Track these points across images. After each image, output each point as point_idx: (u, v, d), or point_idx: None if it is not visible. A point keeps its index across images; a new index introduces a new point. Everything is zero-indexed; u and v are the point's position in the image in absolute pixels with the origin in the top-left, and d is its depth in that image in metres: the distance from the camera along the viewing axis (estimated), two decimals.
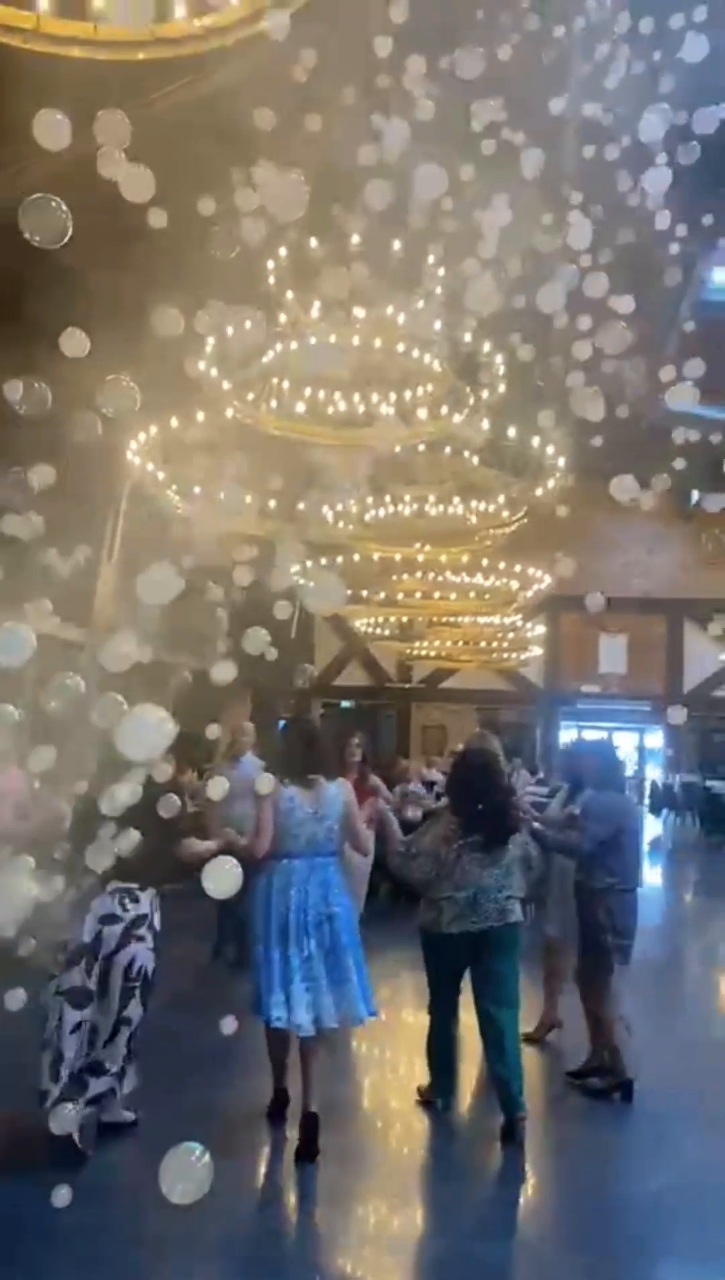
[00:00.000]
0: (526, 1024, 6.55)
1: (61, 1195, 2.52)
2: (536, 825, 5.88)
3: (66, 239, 2.68)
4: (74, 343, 3.04)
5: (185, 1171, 2.04)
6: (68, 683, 2.78)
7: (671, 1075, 6.14)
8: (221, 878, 2.52)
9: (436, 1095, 5.47)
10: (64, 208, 2.67)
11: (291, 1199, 4.59)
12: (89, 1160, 4.41)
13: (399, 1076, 6.16)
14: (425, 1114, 5.45)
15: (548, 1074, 6.06)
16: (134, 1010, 4.69)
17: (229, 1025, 3.97)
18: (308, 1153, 4.70)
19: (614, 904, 5.67)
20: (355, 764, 7.47)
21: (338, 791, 5.09)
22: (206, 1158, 2.05)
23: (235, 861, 2.61)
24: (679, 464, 6.44)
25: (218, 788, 4.51)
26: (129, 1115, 4.89)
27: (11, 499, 4.87)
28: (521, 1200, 4.79)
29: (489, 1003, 5.17)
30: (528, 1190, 4.87)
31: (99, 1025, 4.63)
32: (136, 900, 4.71)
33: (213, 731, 6.21)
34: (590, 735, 27.06)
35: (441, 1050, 5.51)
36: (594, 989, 5.80)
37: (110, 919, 4.64)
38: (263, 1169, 4.86)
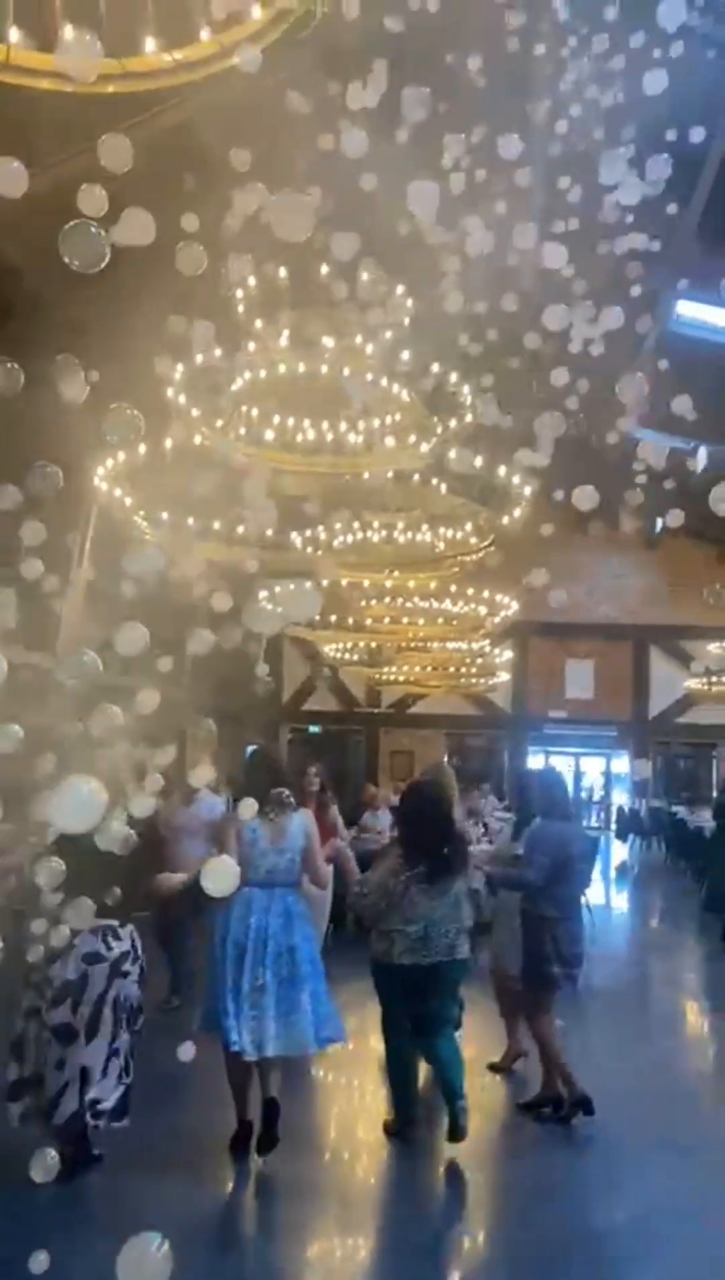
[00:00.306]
0: (494, 1054, 6.56)
1: (39, 1260, 2.43)
2: (486, 869, 5.97)
3: (104, 264, 2.74)
4: (74, 385, 3.05)
5: (142, 1266, 1.98)
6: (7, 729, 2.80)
7: (635, 1104, 6.14)
8: (221, 876, 2.60)
9: (402, 1124, 5.44)
10: (103, 233, 2.74)
11: (252, 1230, 4.55)
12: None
13: (366, 1105, 6.13)
14: (390, 1144, 5.41)
15: (510, 1104, 6.03)
16: (122, 1040, 4.74)
17: (187, 1051, 3.95)
18: (268, 1141, 4.84)
19: (560, 933, 5.69)
20: (313, 794, 7.45)
21: (300, 824, 5.16)
22: (165, 1248, 2.00)
23: (233, 861, 2.65)
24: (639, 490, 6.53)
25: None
26: (96, 1151, 4.81)
27: None
28: (484, 1232, 4.77)
29: (432, 1036, 5.35)
30: (491, 1221, 4.85)
31: (90, 1067, 4.62)
32: (119, 938, 4.75)
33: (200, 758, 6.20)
34: (544, 762, 27.27)
35: (402, 1079, 5.50)
36: (538, 1015, 5.84)
37: (94, 958, 4.65)
38: (225, 1201, 4.82)
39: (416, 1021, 5.34)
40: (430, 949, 5.18)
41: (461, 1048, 5.72)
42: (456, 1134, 5.19)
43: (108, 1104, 4.67)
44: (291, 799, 5.14)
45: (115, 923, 4.72)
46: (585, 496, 5.66)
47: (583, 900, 6.13)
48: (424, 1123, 5.53)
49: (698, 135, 6.05)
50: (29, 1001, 4.69)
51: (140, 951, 4.89)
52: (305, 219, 2.84)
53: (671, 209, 6.12)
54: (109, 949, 4.69)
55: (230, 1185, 4.92)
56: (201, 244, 4.49)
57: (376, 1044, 5.86)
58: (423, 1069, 5.69)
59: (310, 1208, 4.76)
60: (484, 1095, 6.08)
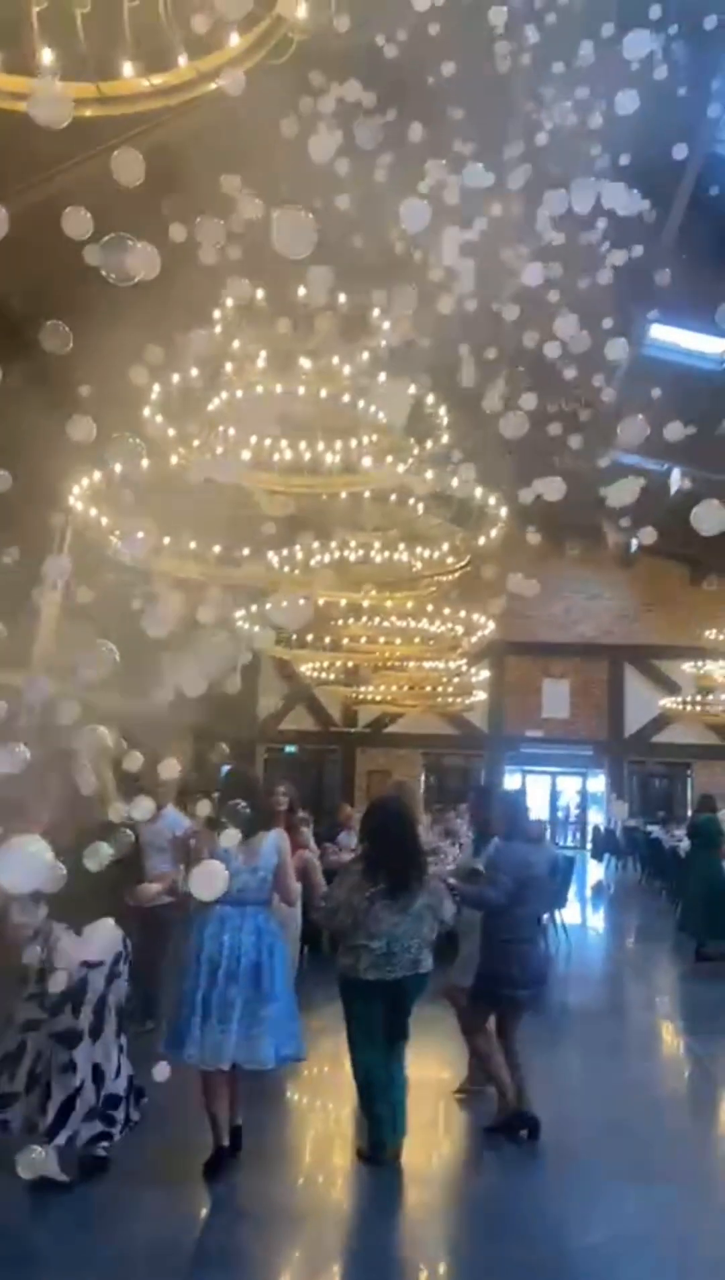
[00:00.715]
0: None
1: None
2: (452, 881, 6.03)
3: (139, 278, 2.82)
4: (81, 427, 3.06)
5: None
6: None
7: (608, 1126, 6.14)
8: (209, 879, 2.67)
9: (379, 1150, 5.37)
10: (142, 245, 2.84)
11: (221, 1254, 4.51)
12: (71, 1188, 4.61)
13: (342, 1127, 6.07)
14: (364, 1169, 5.36)
15: (474, 1127, 5.99)
16: (123, 1038, 4.94)
17: (161, 1072, 3.94)
18: (217, 1165, 4.99)
19: (518, 953, 5.72)
20: (281, 813, 7.41)
21: (273, 843, 5.24)
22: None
23: (220, 865, 2.71)
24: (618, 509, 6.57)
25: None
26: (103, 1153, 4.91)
27: None
28: (457, 1255, 4.73)
29: (391, 1055, 5.41)
30: (463, 1245, 4.81)
31: (102, 1064, 4.79)
32: (115, 942, 4.89)
33: (170, 768, 6.22)
34: (521, 782, 27.29)
35: (373, 1098, 5.43)
36: (474, 1030, 5.91)
37: (91, 963, 4.77)
38: (199, 1226, 4.77)
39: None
40: (395, 964, 5.23)
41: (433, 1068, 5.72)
42: (379, 1162, 5.25)
43: (122, 1096, 4.85)
44: (247, 809, 5.18)
45: (111, 926, 4.85)
46: (552, 488, 5.70)
47: (546, 921, 6.17)
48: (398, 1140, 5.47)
49: (670, 168, 6.16)
50: (26, 1015, 4.75)
51: (129, 951, 5.03)
52: (307, 236, 2.86)
53: (645, 237, 6.20)
54: (105, 951, 4.81)
55: (204, 1210, 4.87)
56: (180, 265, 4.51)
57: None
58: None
59: (281, 1233, 4.73)
60: (458, 1117, 6.06)
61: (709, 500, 3.67)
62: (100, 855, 3.57)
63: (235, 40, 3.26)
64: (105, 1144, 4.82)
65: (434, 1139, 5.87)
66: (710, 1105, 7.04)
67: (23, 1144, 4.48)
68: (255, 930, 5.11)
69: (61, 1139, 4.63)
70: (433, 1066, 6.54)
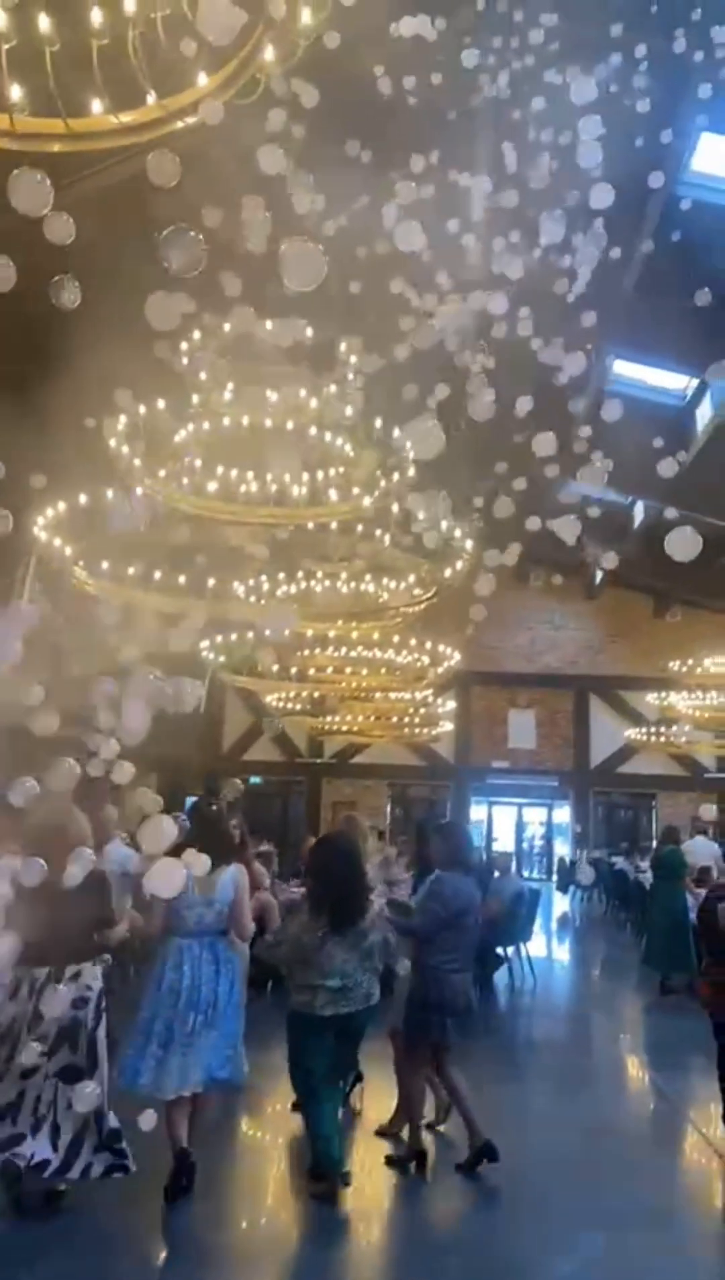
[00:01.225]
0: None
1: None
2: (386, 911, 6.08)
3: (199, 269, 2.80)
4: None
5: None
6: None
7: (570, 1163, 6.11)
8: (169, 876, 2.75)
9: (330, 1166, 5.36)
10: (201, 238, 2.92)
11: None
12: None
13: (296, 1162, 5.98)
14: (315, 1205, 5.30)
15: (445, 1164, 5.93)
16: (103, 1069, 4.95)
17: (148, 1120, 3.93)
18: (177, 1187, 5.03)
19: (448, 983, 5.78)
20: (240, 846, 7.37)
21: (231, 878, 5.37)
22: None
23: (177, 862, 2.88)
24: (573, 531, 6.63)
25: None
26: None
27: None
28: None
29: (332, 1087, 5.54)
30: None
31: (102, 1099, 4.85)
32: (96, 977, 4.99)
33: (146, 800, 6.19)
34: (487, 813, 27.29)
35: (324, 1131, 5.42)
36: (410, 1064, 5.93)
37: (81, 1002, 4.86)
38: (162, 1255, 4.77)
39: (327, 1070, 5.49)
40: (349, 999, 5.35)
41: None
42: (332, 1200, 5.26)
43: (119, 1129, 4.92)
44: (185, 820, 5.25)
45: (88, 964, 4.95)
46: (503, 505, 5.71)
47: (511, 953, 6.22)
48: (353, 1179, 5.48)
49: (634, 206, 6.27)
50: (23, 1062, 4.73)
51: (110, 987, 5.17)
52: (316, 268, 2.87)
53: (609, 276, 6.30)
54: (89, 989, 4.91)
55: (161, 1251, 4.81)
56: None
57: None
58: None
59: (232, 1269, 4.73)
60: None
61: (682, 528, 3.69)
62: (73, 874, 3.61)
63: (203, 80, 3.29)
64: (120, 1174, 4.89)
65: (392, 1176, 5.81)
66: (674, 1142, 7.00)
67: (36, 1181, 4.74)
68: (214, 960, 5.26)
69: (75, 1172, 4.75)
70: (388, 1103, 6.47)
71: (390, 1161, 5.86)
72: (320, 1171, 5.37)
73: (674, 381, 14.48)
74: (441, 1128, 6.37)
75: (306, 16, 3.38)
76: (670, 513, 8.31)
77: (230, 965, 5.34)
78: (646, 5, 6.49)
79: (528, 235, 6.38)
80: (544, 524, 5.83)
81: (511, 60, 6.37)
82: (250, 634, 10.57)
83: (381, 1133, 6.26)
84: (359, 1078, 6.54)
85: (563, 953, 16.58)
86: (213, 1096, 5.51)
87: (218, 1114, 6.09)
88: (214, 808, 5.70)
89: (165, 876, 2.78)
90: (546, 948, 16.20)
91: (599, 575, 24.47)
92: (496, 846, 25.22)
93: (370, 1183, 5.61)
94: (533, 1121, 7.08)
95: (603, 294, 6.96)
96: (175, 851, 5.21)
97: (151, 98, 3.12)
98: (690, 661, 16.91)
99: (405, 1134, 6.06)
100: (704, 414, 14.00)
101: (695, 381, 14.11)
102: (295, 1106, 5.95)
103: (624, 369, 14.34)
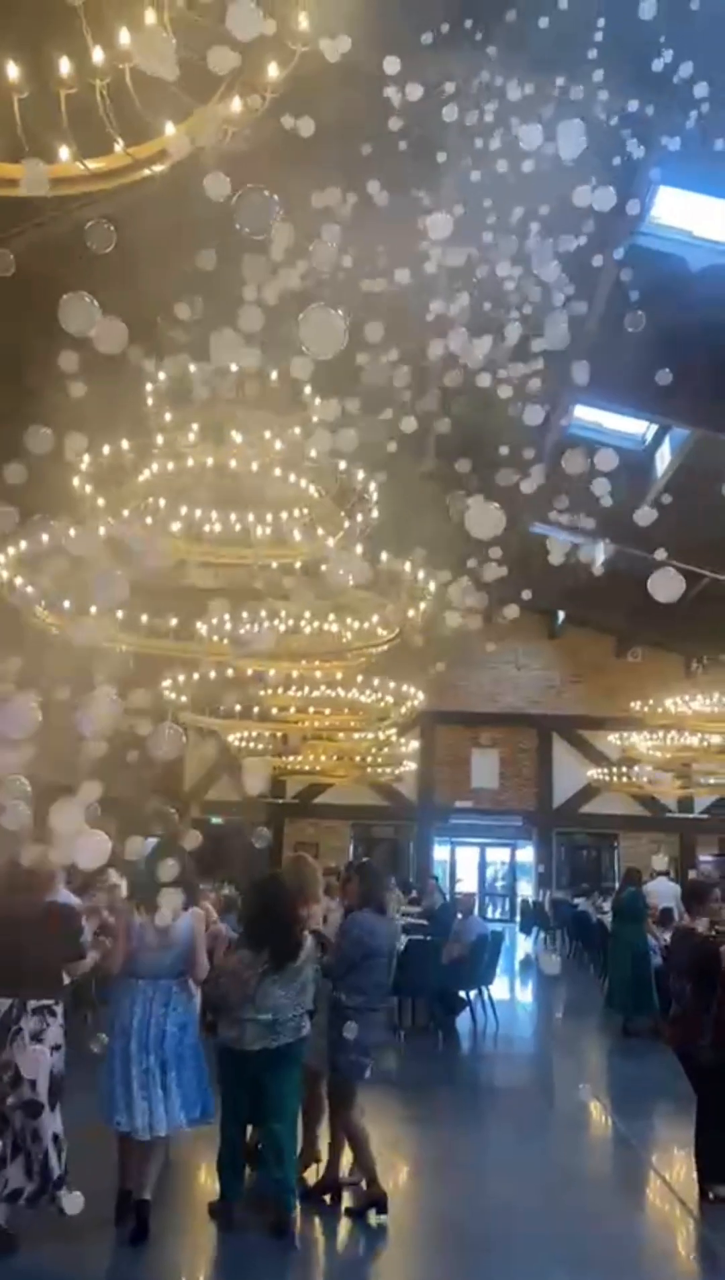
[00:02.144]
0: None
1: None
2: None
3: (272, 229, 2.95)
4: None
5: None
6: None
7: (533, 1214, 6.03)
8: (93, 849, 2.82)
9: (229, 1196, 5.51)
10: (275, 198, 2.92)
11: None
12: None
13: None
14: (274, 1245, 5.31)
15: (397, 1207, 5.85)
16: (57, 1113, 5.05)
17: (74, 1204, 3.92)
18: (140, 1235, 5.12)
19: (361, 1021, 5.80)
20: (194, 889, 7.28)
21: (189, 924, 5.44)
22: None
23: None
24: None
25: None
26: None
27: None
28: None
29: (273, 1119, 5.52)
30: None
31: (60, 1135, 4.98)
32: (55, 1014, 5.10)
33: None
34: (450, 854, 27.20)
35: (233, 1160, 5.57)
36: (344, 1107, 5.94)
37: (37, 1037, 4.97)
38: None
39: (258, 1105, 5.52)
40: (279, 1033, 5.46)
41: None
42: (282, 1228, 5.34)
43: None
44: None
45: (51, 1001, 5.08)
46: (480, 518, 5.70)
47: (384, 993, 6.28)
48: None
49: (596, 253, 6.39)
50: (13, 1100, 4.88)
51: (64, 1021, 5.22)
52: (337, 336, 2.88)
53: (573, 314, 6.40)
54: (47, 1026, 5.02)
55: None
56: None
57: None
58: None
59: None
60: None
61: (665, 569, 3.69)
62: None
63: (170, 129, 3.33)
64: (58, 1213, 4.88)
65: (346, 1221, 5.75)
66: (637, 1188, 6.95)
67: (12, 1208, 4.86)
68: (165, 1003, 5.36)
69: (45, 1200, 4.86)
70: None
71: (349, 1213, 5.83)
72: (222, 1207, 5.49)
73: (634, 426, 14.72)
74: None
75: (272, 70, 3.44)
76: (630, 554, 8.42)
77: (181, 1007, 5.45)
78: (612, 58, 6.65)
79: (489, 282, 6.49)
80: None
81: (473, 105, 6.48)
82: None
83: (322, 1190, 6.06)
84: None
85: (526, 995, 16.50)
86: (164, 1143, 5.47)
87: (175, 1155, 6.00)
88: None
89: (91, 850, 2.81)
90: (509, 990, 16.11)
91: (560, 616, 24.68)
92: (461, 887, 25.14)
93: (326, 1226, 5.55)
94: (495, 1168, 7.01)
95: (564, 343, 7.08)
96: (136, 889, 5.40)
97: (119, 146, 3.16)
98: (651, 702, 17.04)
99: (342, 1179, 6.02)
100: (663, 457, 14.24)
101: (654, 426, 14.36)
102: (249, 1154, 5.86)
103: (584, 413, 14.55)
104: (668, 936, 11.86)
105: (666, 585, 3.64)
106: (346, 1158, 6.01)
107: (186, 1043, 5.40)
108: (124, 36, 3.01)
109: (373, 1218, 5.72)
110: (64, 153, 3.13)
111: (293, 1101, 5.67)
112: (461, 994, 11.92)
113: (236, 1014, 5.48)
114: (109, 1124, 5.24)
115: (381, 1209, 5.75)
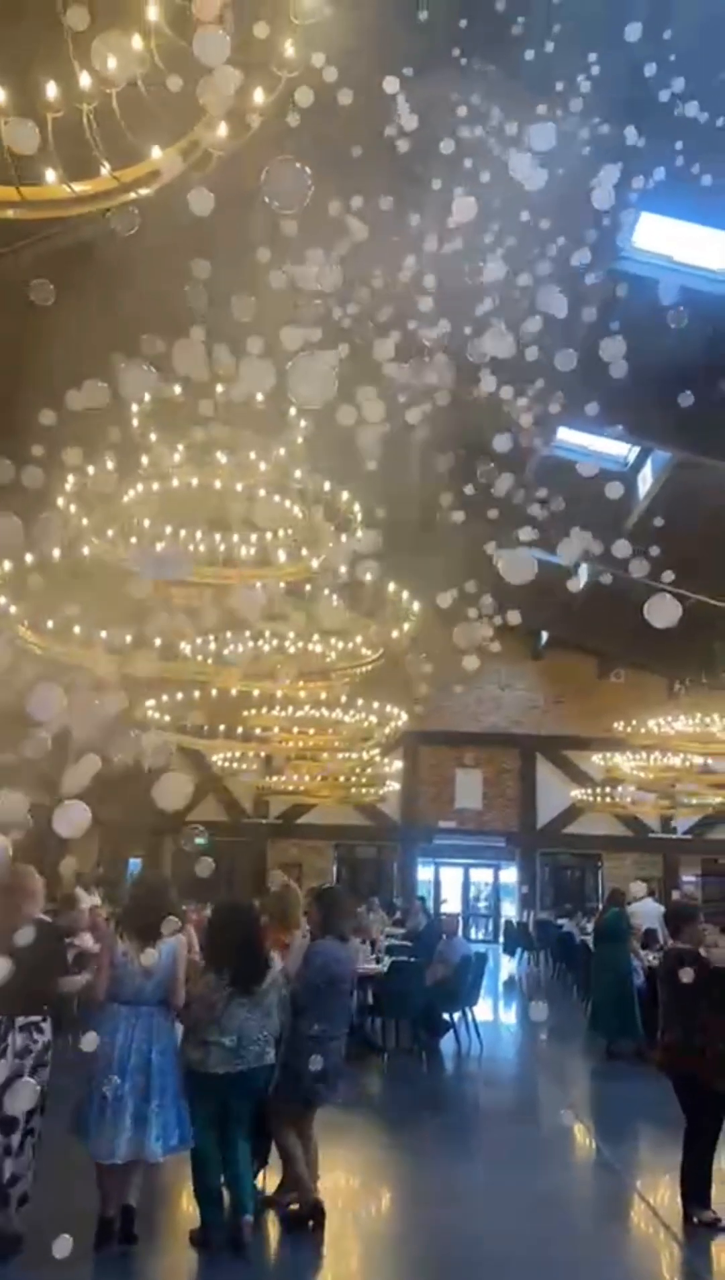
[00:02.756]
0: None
1: None
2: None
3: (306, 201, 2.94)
4: None
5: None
6: None
7: (518, 1240, 5.99)
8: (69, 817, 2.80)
9: (211, 1231, 5.45)
10: (307, 171, 2.94)
11: None
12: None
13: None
14: (253, 1268, 5.29)
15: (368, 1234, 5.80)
16: (36, 1121, 5.07)
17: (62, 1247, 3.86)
18: (125, 1238, 5.21)
19: (322, 1050, 5.81)
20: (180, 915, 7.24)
21: (171, 949, 5.45)
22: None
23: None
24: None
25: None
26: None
27: None
28: None
29: (236, 1137, 5.52)
30: None
31: (10, 1144, 4.99)
32: (42, 1031, 5.15)
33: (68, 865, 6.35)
34: (434, 874, 27.14)
35: (208, 1185, 5.53)
36: (280, 1123, 5.94)
37: (25, 1052, 5.02)
38: None
39: (226, 1123, 5.52)
40: (242, 1057, 5.45)
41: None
42: (239, 1245, 5.32)
43: (23, 1177, 5.04)
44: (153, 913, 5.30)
45: (39, 1018, 5.13)
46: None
47: (345, 1020, 6.28)
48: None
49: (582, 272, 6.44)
50: None
51: (49, 1038, 5.25)
52: (327, 384, 2.89)
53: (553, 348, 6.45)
54: (34, 1042, 5.07)
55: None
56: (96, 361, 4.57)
57: None
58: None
59: None
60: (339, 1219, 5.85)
61: (661, 595, 3.69)
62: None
63: (156, 153, 3.36)
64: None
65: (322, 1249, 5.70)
66: (621, 1214, 6.90)
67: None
68: (148, 1029, 5.35)
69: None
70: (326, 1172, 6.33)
71: (292, 1219, 5.85)
72: (204, 1237, 5.44)
73: (617, 449, 14.82)
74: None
75: (258, 95, 3.47)
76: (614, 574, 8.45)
77: (164, 1035, 5.43)
78: (599, 89, 6.73)
79: (473, 306, 6.53)
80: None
81: (454, 131, 6.54)
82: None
83: (270, 1202, 6.12)
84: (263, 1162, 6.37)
85: (509, 1017, 16.44)
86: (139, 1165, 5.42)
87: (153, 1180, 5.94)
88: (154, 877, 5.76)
89: (66, 817, 2.81)
90: (493, 1011, 16.05)
91: (543, 637, 24.76)
92: (446, 908, 25.07)
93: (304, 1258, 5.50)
94: (479, 1194, 6.96)
95: (549, 365, 7.14)
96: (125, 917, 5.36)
97: (105, 169, 3.19)
98: (634, 723, 17.09)
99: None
100: (645, 480, 14.34)
101: (637, 449, 14.47)
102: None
103: (568, 435, 14.65)
104: (652, 958, 11.86)
105: (663, 611, 3.65)
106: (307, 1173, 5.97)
107: (168, 1071, 5.38)
108: (111, 62, 3.03)
109: (309, 1228, 5.75)
110: (50, 175, 3.18)
111: (246, 1125, 5.65)
112: (445, 1016, 11.86)
113: (201, 1036, 5.48)
114: (88, 1151, 5.21)
115: (318, 1220, 5.77)
